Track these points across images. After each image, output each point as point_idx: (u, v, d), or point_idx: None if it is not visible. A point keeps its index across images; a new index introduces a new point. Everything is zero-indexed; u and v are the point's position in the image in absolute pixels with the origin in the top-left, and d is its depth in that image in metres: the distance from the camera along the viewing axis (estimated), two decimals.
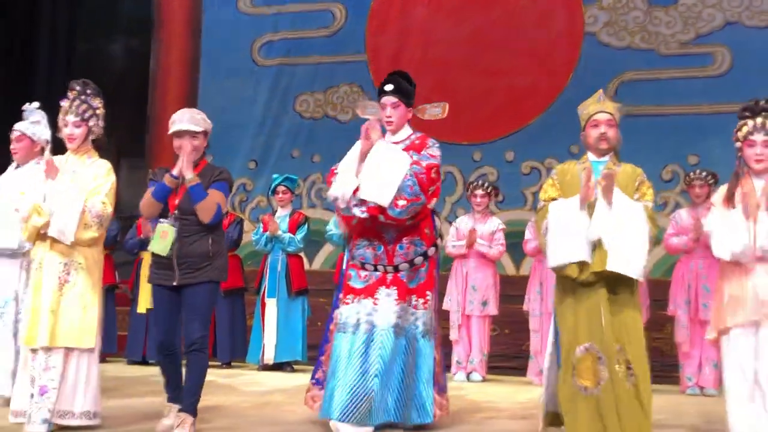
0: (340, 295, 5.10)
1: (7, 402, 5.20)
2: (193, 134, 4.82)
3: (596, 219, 4.54)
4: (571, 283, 4.61)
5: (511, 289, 8.29)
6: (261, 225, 8.47)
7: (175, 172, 4.72)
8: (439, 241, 5.16)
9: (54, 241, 4.77)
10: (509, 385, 7.52)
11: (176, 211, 4.69)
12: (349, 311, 4.94)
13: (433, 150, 5.03)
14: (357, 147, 5.01)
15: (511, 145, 9.30)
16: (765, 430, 4.43)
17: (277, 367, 8.25)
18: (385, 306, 4.89)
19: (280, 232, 8.29)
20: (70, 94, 5.01)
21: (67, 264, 4.78)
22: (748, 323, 4.51)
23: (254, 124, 10.30)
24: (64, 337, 4.71)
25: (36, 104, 5.82)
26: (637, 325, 4.61)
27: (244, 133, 10.24)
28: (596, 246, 4.53)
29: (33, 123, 5.77)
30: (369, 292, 4.93)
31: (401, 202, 4.78)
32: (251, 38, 10.44)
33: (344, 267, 5.29)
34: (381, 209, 4.80)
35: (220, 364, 8.47)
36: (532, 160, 9.26)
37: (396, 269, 4.95)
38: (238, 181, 10.16)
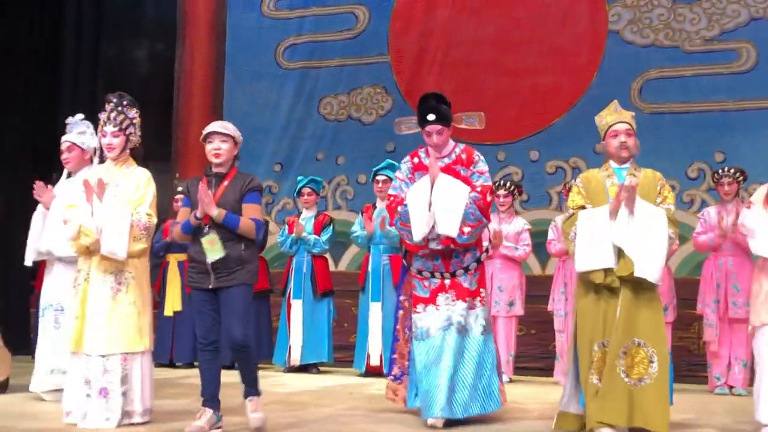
0: (402, 298, 5.74)
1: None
2: (222, 138, 5.00)
3: (619, 227, 4.83)
4: (594, 284, 4.89)
5: (537, 289, 8.26)
6: (286, 227, 8.50)
7: (198, 214, 4.88)
8: (488, 245, 5.65)
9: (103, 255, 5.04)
10: (536, 386, 7.49)
11: (210, 222, 4.87)
12: (422, 320, 5.43)
13: (481, 166, 5.51)
14: (422, 183, 5.45)
15: (535, 144, 9.27)
16: None
17: (303, 368, 8.27)
18: (449, 309, 5.39)
19: (305, 234, 8.31)
20: (108, 106, 5.23)
21: (117, 274, 5.10)
22: None
23: (279, 127, 10.32)
24: (122, 343, 5.04)
25: (80, 116, 6.17)
26: (658, 321, 4.88)
27: (269, 136, 10.27)
28: (620, 252, 4.83)
29: (80, 133, 6.09)
30: (434, 299, 5.43)
31: (466, 229, 5.33)
32: (275, 42, 10.47)
33: (402, 275, 5.90)
34: (452, 238, 5.35)
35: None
36: (557, 160, 9.21)
37: (453, 275, 5.44)
38: (264, 184, 10.11)
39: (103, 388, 5.00)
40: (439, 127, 5.51)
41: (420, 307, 5.47)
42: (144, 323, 5.16)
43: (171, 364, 8.46)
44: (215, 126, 5.06)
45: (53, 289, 6.03)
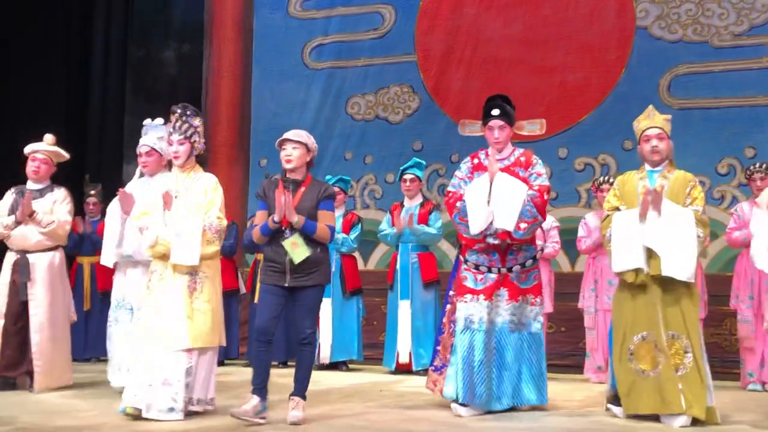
0: (451, 293, 5.86)
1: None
2: (294, 144, 5.31)
3: (648, 228, 5.22)
4: (631, 283, 5.30)
5: (567, 287, 8.23)
6: None
7: (276, 218, 5.18)
8: (542, 244, 5.91)
9: None
10: (566, 383, 7.47)
11: (289, 225, 5.18)
12: (468, 309, 5.62)
13: (539, 168, 5.73)
14: (482, 180, 5.66)
15: (563, 141, 9.23)
16: None
17: (333, 366, 8.30)
18: (501, 305, 5.63)
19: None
20: (173, 117, 5.58)
21: (193, 275, 5.42)
22: None
23: (306, 127, 10.12)
24: (199, 339, 5.36)
25: (160, 120, 6.40)
26: (692, 315, 5.26)
27: None
28: (651, 252, 5.22)
29: (159, 138, 6.32)
30: (487, 293, 5.63)
31: (523, 225, 5.53)
32: (302, 42, 10.50)
33: (453, 270, 6.04)
34: (508, 233, 5.57)
35: (276, 363, 8.55)
36: (586, 157, 9.17)
37: (509, 270, 5.66)
38: None
39: (166, 379, 5.27)
40: (501, 122, 5.75)
41: (468, 297, 5.65)
42: (217, 320, 5.50)
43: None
44: (288, 133, 5.37)
45: (125, 289, 6.30)
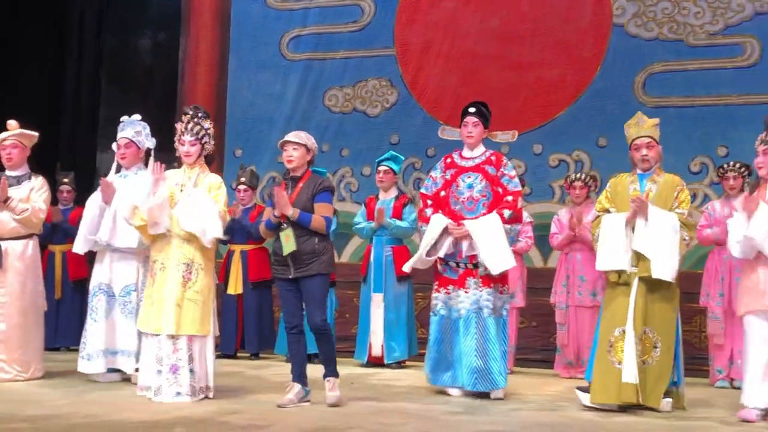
0: (435, 285, 6.31)
1: (127, 379, 6.36)
2: (294, 146, 5.68)
3: (637, 234, 5.56)
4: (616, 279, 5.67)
5: (539, 282, 8.29)
6: None
7: (276, 213, 5.57)
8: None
9: (177, 245, 5.74)
10: (536, 378, 7.53)
11: (286, 220, 5.55)
12: (450, 299, 6.14)
13: (510, 170, 6.17)
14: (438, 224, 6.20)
15: (538, 138, 9.27)
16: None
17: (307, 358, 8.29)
18: (475, 294, 6.04)
19: None
20: (185, 118, 5.93)
21: (189, 265, 5.75)
22: (760, 310, 5.32)
23: (283, 119, 10.32)
24: (189, 327, 5.67)
25: (137, 116, 6.66)
26: (667, 312, 5.61)
27: (273, 127, 10.27)
28: (639, 255, 5.55)
29: (137, 132, 6.58)
30: (461, 283, 6.10)
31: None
32: (280, 32, 10.47)
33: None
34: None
35: (248, 355, 8.55)
36: (560, 153, 9.22)
37: (476, 266, 6.06)
38: (268, 175, 10.21)
39: (174, 365, 5.63)
40: (475, 119, 6.21)
41: (451, 288, 6.14)
42: (207, 311, 5.80)
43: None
44: (289, 135, 5.72)
45: (104, 275, 6.50)
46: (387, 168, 8.27)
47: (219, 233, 5.80)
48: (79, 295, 8.96)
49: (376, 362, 8.03)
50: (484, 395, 6.04)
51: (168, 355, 5.65)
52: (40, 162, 7.39)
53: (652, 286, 5.57)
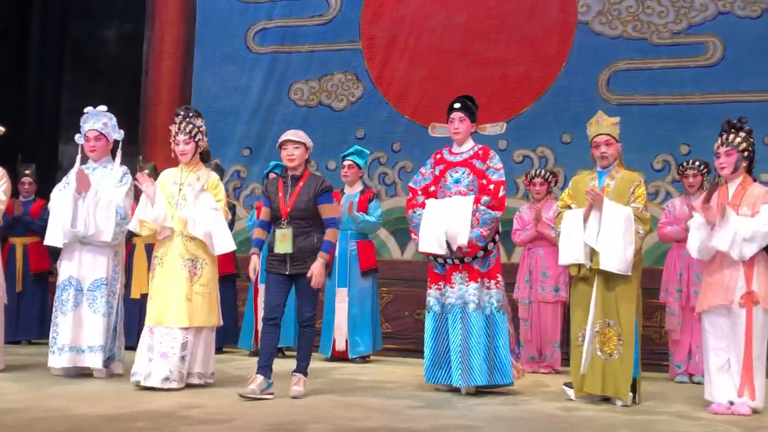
0: (428, 282, 6.27)
1: (99, 373, 6.37)
2: (295, 144, 5.83)
3: (589, 227, 5.74)
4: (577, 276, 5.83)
5: (503, 277, 8.30)
6: (255, 211, 8.50)
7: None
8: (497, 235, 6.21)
9: (181, 242, 5.99)
10: None
11: (288, 217, 5.74)
12: (442, 296, 6.14)
13: (496, 162, 6.14)
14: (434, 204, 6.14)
15: (503, 134, 9.23)
16: (733, 395, 5.46)
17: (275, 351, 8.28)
18: (461, 289, 6.03)
19: None
20: (177, 119, 6.13)
21: (194, 260, 6.01)
22: (720, 306, 5.49)
23: (248, 112, 10.30)
24: (198, 318, 5.96)
25: (103, 107, 6.60)
26: (627, 305, 5.72)
27: (238, 120, 10.24)
28: (593, 248, 5.70)
29: (105, 124, 6.55)
30: (447, 278, 6.09)
31: (485, 232, 5.98)
32: (246, 25, 10.43)
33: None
34: (473, 245, 6.00)
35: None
36: (525, 149, 9.28)
37: (462, 261, 6.05)
38: (232, 168, 10.17)
39: (163, 352, 5.85)
40: (461, 114, 6.22)
41: (441, 284, 6.15)
42: (214, 303, 6.09)
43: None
44: (289, 135, 5.87)
45: (73, 269, 6.45)
46: (351, 162, 8.27)
47: (232, 246, 6.14)
48: (41, 289, 8.86)
49: (339, 357, 8.03)
50: (485, 391, 6.08)
51: (160, 343, 5.87)
52: (1, 153, 7.30)
53: (611, 279, 5.69)
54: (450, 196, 6.12)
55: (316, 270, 5.65)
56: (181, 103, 10.34)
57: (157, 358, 5.86)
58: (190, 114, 6.14)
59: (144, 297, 8.46)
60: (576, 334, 5.84)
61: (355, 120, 9.93)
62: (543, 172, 8.06)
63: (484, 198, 6.00)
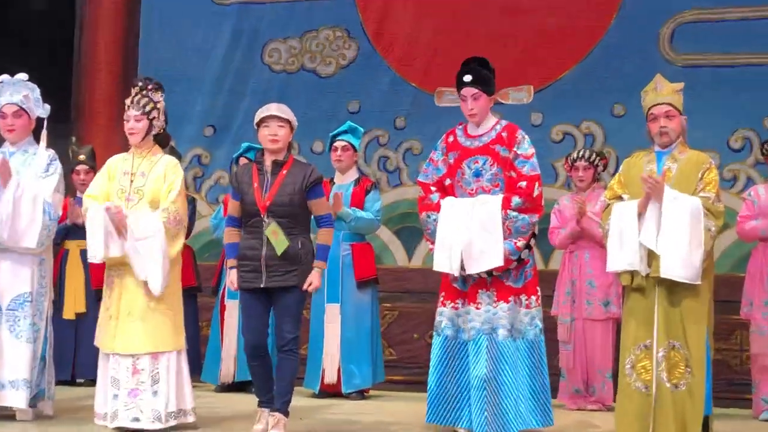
0: (441, 297, 6.24)
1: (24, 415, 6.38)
2: (280, 122, 6.01)
3: (646, 223, 5.68)
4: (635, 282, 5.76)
5: (541, 288, 8.31)
6: (221, 207, 8.52)
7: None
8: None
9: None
10: None
11: (266, 214, 5.83)
12: (458, 316, 6.12)
13: (526, 148, 6.06)
14: (454, 210, 6.07)
15: (538, 104, 9.23)
16: None
17: (239, 386, 8.32)
18: (488, 311, 5.99)
19: None
20: (132, 90, 6.24)
21: None
22: None
23: (211, 80, 10.32)
24: (156, 342, 5.99)
25: (23, 75, 6.62)
26: (696, 323, 5.68)
27: (198, 91, 10.26)
28: (651, 251, 5.66)
29: (25, 97, 6.56)
30: (472, 297, 6.04)
31: (521, 243, 5.98)
32: None
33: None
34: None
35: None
36: (565, 124, 9.31)
37: (490, 274, 5.99)
38: (191, 153, 10.20)
39: (133, 389, 5.94)
40: (475, 90, 6.07)
41: (459, 303, 6.10)
42: (179, 322, 6.18)
43: (72, 381, 8.56)
44: (272, 109, 6.02)
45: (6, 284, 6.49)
46: (346, 143, 8.29)
47: (161, 287, 6.01)
48: None
49: (331, 392, 8.06)
50: None
51: (126, 378, 5.95)
52: None
53: (675, 290, 5.66)
54: (471, 194, 6.09)
55: (315, 281, 5.85)
56: (126, 69, 10.38)
57: (124, 395, 5.94)
58: (149, 86, 6.24)
59: (80, 317, 8.54)
60: (625, 359, 5.79)
61: (348, 89, 9.95)
62: (588, 153, 8.07)
63: (515, 200, 5.95)
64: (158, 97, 6.26)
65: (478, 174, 6.09)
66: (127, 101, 6.24)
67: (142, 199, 6.09)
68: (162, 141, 6.39)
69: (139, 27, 10.55)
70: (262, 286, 5.81)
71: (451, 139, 6.24)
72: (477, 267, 5.92)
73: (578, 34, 9.38)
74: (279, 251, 5.77)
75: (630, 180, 5.92)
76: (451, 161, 6.17)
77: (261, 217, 5.81)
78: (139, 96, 6.20)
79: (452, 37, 9.53)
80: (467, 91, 6.09)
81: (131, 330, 5.97)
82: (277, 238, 5.77)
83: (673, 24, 9.13)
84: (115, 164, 6.27)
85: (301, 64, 10.17)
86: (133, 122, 6.18)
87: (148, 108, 6.19)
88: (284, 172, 5.90)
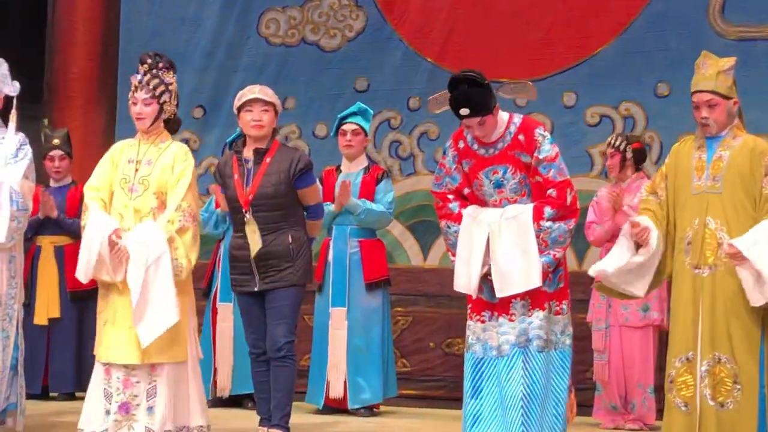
0: (468, 309, 6.19)
1: None
2: (264, 106, 6.17)
3: None
4: (679, 287, 5.79)
5: (575, 291, 8.29)
6: (212, 199, 8.53)
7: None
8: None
9: None
10: (570, 428, 7.56)
11: (250, 208, 6.02)
12: (486, 330, 6.05)
13: (548, 148, 5.94)
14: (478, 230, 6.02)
15: (571, 83, 9.32)
16: None
17: (235, 401, 8.34)
18: (523, 321, 5.96)
19: None
20: (141, 68, 6.21)
21: None
22: None
23: (201, 55, 10.32)
24: (156, 352, 5.87)
25: None
26: (746, 331, 5.59)
27: (186, 67, 10.21)
28: None
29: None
30: (504, 308, 5.98)
31: (558, 253, 5.96)
32: None
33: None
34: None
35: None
36: (602, 105, 9.28)
37: None
38: (178, 136, 10.01)
39: (125, 403, 5.90)
40: (478, 119, 5.93)
41: (486, 315, 6.04)
42: (183, 331, 6.01)
43: (44, 395, 8.61)
44: (255, 92, 6.18)
45: None
46: (357, 127, 8.29)
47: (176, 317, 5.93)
48: None
49: (336, 407, 8.07)
50: None
51: (118, 390, 5.91)
52: None
53: (722, 293, 5.61)
54: (495, 204, 6.05)
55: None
56: (104, 43, 10.40)
57: (114, 410, 5.91)
58: (160, 65, 6.20)
59: (53, 323, 8.56)
60: (670, 369, 5.76)
61: (355, 64, 9.94)
62: (614, 138, 8.07)
63: (548, 210, 5.89)
64: (170, 77, 6.23)
65: (499, 185, 6.03)
66: (134, 81, 6.19)
67: (146, 190, 6.04)
68: (172, 126, 6.37)
69: None
70: (256, 289, 5.94)
71: (461, 144, 6.14)
72: (511, 290, 5.89)
73: (616, 3, 9.35)
74: (253, 252, 5.98)
75: (677, 169, 5.86)
76: (466, 170, 6.11)
77: (244, 212, 5.91)
78: (148, 76, 6.16)
79: (469, 7, 9.52)
80: (470, 121, 5.97)
81: (127, 337, 5.89)
82: (253, 236, 5.99)
83: None
84: (120, 150, 6.26)
85: (302, 37, 10.17)
86: (142, 106, 6.14)
87: (159, 91, 6.14)
88: (268, 160, 6.00)
